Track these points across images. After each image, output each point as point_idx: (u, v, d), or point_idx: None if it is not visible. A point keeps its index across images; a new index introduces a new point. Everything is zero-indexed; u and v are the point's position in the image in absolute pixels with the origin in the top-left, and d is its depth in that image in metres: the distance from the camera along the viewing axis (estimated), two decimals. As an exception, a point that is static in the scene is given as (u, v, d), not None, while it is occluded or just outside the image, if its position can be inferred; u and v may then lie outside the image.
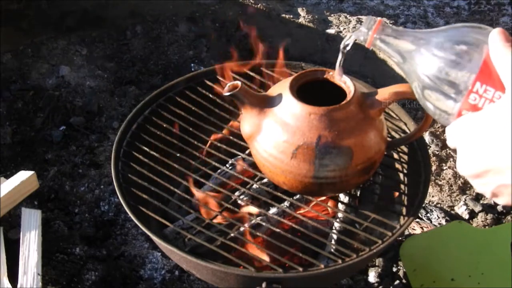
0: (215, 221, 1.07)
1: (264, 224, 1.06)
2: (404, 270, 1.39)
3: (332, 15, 2.35)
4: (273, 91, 1.00)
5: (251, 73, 1.25)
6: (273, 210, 1.13)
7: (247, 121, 0.98)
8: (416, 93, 0.76)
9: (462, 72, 0.69)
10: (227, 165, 1.16)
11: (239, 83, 0.95)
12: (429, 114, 0.77)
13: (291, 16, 2.27)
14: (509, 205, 0.66)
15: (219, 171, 1.15)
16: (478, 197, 1.63)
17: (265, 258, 0.98)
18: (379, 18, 0.82)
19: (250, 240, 1.04)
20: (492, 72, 0.67)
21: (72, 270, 1.37)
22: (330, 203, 1.16)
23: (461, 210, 1.59)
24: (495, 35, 0.66)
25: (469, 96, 0.68)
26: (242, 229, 1.06)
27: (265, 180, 1.13)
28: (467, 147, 0.66)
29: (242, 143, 1.11)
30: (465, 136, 0.67)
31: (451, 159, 1.73)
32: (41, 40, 2.07)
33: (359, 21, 2.30)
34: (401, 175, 1.15)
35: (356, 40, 0.86)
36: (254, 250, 1.00)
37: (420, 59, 0.74)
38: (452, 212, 1.60)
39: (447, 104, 0.71)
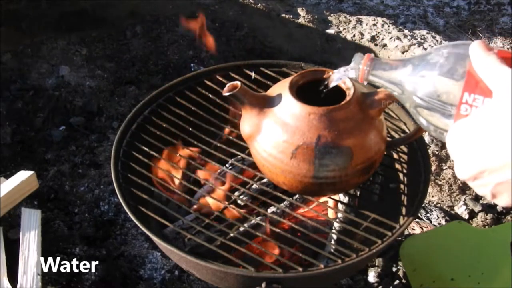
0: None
1: (264, 224, 1.06)
2: (404, 270, 1.39)
3: (331, 15, 2.35)
4: (272, 91, 1.00)
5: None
6: (272, 210, 1.13)
7: (247, 121, 0.98)
8: (413, 115, 0.78)
9: (449, 87, 0.71)
10: (227, 165, 1.16)
11: (238, 83, 0.95)
12: (430, 134, 0.78)
13: (291, 16, 2.27)
14: (510, 205, 0.66)
15: (218, 170, 1.15)
16: (477, 197, 1.63)
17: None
18: (367, 54, 0.85)
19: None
20: (478, 81, 0.69)
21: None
22: (330, 203, 1.16)
23: (460, 210, 1.59)
24: (476, 46, 0.69)
25: (460, 108, 0.71)
26: (241, 229, 1.06)
27: (264, 180, 1.13)
28: (461, 151, 0.67)
29: (242, 143, 1.11)
30: (458, 141, 0.68)
31: (451, 159, 1.74)
32: (41, 40, 2.07)
33: (359, 21, 2.30)
34: (401, 175, 1.15)
35: (347, 77, 0.90)
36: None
37: (411, 83, 0.77)
38: (452, 212, 1.60)
39: (442, 120, 0.73)
